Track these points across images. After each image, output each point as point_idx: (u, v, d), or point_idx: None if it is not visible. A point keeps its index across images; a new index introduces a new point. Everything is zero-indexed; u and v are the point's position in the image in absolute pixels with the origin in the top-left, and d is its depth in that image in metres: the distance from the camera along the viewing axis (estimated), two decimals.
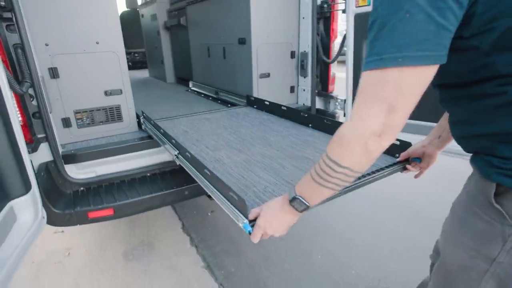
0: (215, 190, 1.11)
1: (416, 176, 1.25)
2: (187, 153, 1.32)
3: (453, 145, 1.55)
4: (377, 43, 0.62)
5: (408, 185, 2.80)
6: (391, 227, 2.39)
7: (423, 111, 2.03)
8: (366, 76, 0.65)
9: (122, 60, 1.95)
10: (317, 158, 1.40)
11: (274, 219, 0.89)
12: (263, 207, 0.93)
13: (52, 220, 1.61)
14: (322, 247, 2.22)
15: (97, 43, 1.86)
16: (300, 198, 0.82)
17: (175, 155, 1.52)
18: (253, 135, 1.78)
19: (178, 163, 1.51)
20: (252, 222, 0.93)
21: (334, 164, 0.72)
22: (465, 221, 0.79)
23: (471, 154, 0.80)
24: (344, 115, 2.46)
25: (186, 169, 1.36)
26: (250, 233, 0.91)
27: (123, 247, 2.29)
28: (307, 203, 0.82)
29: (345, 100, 2.41)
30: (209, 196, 2.06)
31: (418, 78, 0.61)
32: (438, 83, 0.78)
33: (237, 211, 0.97)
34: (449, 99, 0.79)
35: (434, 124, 1.98)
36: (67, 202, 1.72)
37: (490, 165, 0.71)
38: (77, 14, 1.78)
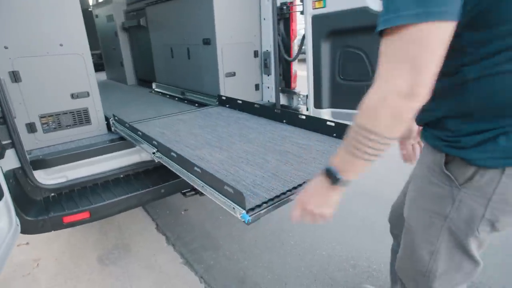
0: (206, 186, 1.18)
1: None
2: (172, 153, 1.37)
3: None
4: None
5: (369, 173, 3.05)
6: (356, 212, 2.60)
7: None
8: (386, 37, 0.64)
9: (88, 62, 1.93)
10: (297, 151, 1.55)
11: (312, 193, 0.90)
12: (307, 185, 0.94)
13: (25, 228, 1.57)
14: (293, 234, 2.36)
15: (61, 45, 1.83)
16: (333, 169, 0.81)
17: (153, 153, 1.57)
18: (231, 133, 1.85)
19: (157, 161, 1.55)
20: (250, 212, 1.01)
21: (364, 131, 0.71)
22: (423, 188, 0.92)
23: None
24: (307, 109, 2.63)
25: (171, 168, 1.41)
26: (249, 222, 0.99)
27: (96, 253, 2.25)
28: (339, 176, 0.81)
29: (307, 96, 2.57)
30: (184, 194, 2.13)
31: (440, 34, 0.61)
32: None
33: (233, 203, 1.04)
34: None
35: None
36: (39, 209, 1.68)
37: (438, 139, 0.83)
38: (38, 15, 1.73)
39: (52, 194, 1.80)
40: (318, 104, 2.49)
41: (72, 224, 1.70)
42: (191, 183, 1.29)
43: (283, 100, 2.81)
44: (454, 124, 0.79)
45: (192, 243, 2.31)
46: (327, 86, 2.42)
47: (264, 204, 1.11)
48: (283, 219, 2.51)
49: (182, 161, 1.33)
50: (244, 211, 1.01)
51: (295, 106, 2.79)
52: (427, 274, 0.96)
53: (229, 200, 1.08)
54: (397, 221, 1.29)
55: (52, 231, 1.70)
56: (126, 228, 2.52)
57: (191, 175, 1.29)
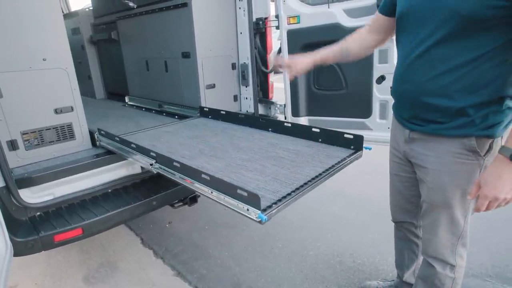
0: (215, 191, 1.23)
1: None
2: (175, 163, 1.40)
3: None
4: None
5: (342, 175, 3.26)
6: (333, 212, 2.77)
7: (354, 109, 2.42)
8: None
9: (72, 76, 1.90)
10: (290, 157, 1.66)
11: (501, 182, 0.99)
12: (481, 179, 1.06)
13: (15, 250, 1.49)
14: (279, 237, 2.45)
15: (44, 59, 1.79)
16: None
17: (151, 164, 1.59)
18: (222, 142, 1.91)
19: (155, 172, 1.57)
20: (264, 211, 1.09)
21: None
22: (454, 172, 1.15)
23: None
24: (285, 118, 2.76)
25: (172, 178, 1.44)
26: (265, 221, 1.06)
27: (81, 273, 2.16)
28: None
29: (284, 105, 2.72)
30: (172, 205, 2.14)
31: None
32: None
33: (247, 205, 1.11)
34: None
35: (359, 120, 2.41)
36: (26, 229, 1.61)
37: (463, 127, 1.07)
38: (20, 29, 1.69)
39: (38, 213, 1.73)
40: (295, 113, 2.64)
41: (63, 243, 1.64)
42: (197, 191, 1.34)
43: (261, 110, 2.93)
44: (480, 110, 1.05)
45: (182, 254, 2.31)
46: (303, 96, 2.59)
47: (274, 205, 1.20)
48: (268, 224, 2.59)
49: (187, 170, 1.37)
50: (259, 211, 1.09)
51: (273, 115, 2.92)
52: (462, 234, 1.24)
53: (242, 203, 1.15)
54: (403, 212, 1.55)
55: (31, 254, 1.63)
56: (109, 245, 2.45)
57: (198, 183, 1.33)
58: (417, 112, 1.18)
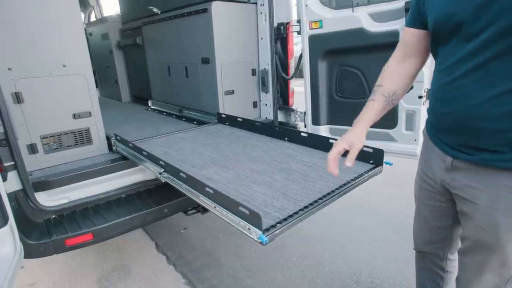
0: (219, 206, 1.18)
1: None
2: (181, 174, 1.37)
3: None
4: None
5: (364, 185, 3.10)
6: (355, 225, 2.63)
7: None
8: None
9: (91, 82, 1.94)
10: (303, 170, 1.58)
11: None
12: None
13: (27, 252, 1.53)
14: (294, 250, 2.36)
15: (64, 66, 1.83)
16: None
17: (160, 173, 1.57)
18: (235, 151, 1.87)
19: (164, 181, 1.55)
20: (265, 232, 1.02)
21: None
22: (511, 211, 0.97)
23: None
24: (305, 126, 2.67)
25: (179, 188, 1.41)
26: (266, 243, 0.99)
27: (96, 275, 2.20)
28: None
29: (305, 113, 2.62)
30: (185, 212, 2.11)
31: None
32: None
33: (249, 224, 1.04)
34: None
35: (384, 130, 2.27)
36: (40, 232, 1.64)
37: None
38: (41, 36, 1.74)
39: (54, 216, 1.77)
40: (316, 121, 2.54)
41: (75, 247, 1.66)
42: (202, 204, 1.30)
43: (281, 117, 2.85)
44: None
45: (194, 262, 2.28)
46: (324, 104, 2.49)
47: (278, 224, 1.13)
48: (284, 235, 2.51)
49: (192, 182, 1.33)
50: (261, 232, 1.02)
51: (292, 122, 2.84)
52: (511, 278, 1.07)
53: (244, 221, 1.09)
54: (428, 243, 1.39)
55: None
56: (124, 248, 2.47)
57: (202, 196, 1.29)
58: (466, 139, 1.00)
